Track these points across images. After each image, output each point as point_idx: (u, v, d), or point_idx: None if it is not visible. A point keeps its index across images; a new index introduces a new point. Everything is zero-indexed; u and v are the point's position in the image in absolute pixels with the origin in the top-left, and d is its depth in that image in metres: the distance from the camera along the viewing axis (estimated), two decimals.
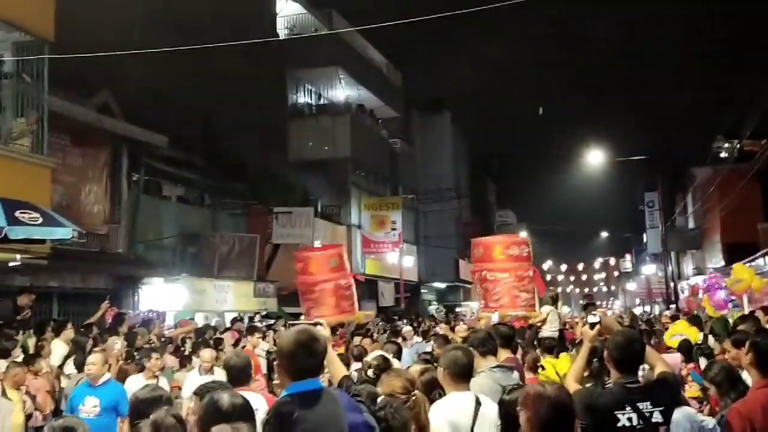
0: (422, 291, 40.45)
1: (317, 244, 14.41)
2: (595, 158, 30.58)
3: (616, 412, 3.90)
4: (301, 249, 15.59)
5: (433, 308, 38.05)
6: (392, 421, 3.82)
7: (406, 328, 14.52)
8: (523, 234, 51.70)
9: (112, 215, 17.36)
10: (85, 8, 16.34)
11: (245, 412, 3.10)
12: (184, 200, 21.97)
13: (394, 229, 32.40)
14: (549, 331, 10.57)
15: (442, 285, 42.76)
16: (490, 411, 4.30)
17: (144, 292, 17.44)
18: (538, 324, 10.92)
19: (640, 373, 4.34)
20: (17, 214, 8.98)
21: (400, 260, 32.71)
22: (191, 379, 8.53)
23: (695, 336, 9.93)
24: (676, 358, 7.87)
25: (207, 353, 8.52)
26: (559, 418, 3.21)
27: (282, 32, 29.39)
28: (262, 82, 25.52)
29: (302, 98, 32.31)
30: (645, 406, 3.94)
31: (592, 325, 4.68)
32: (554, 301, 11.93)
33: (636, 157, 32.38)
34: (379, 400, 3.97)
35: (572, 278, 69.51)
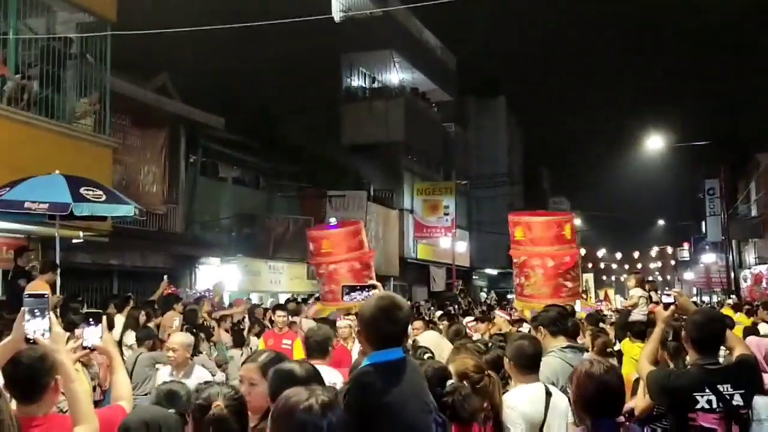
0: (474, 277, 40.20)
1: (332, 221, 13.27)
2: (654, 143, 29.85)
3: (694, 394, 3.74)
4: (315, 228, 14.03)
5: (484, 295, 37.88)
6: (460, 410, 3.63)
7: (439, 313, 13.79)
8: (578, 222, 50.98)
9: (170, 196, 17.61)
10: None
11: (319, 379, 3.04)
12: (240, 182, 22.18)
13: (447, 214, 32.21)
14: (639, 314, 10.16)
15: (493, 271, 42.44)
16: (561, 401, 4.18)
17: (200, 272, 17.70)
18: (629, 307, 10.56)
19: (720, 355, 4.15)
20: (82, 191, 9.10)
21: (453, 245, 32.49)
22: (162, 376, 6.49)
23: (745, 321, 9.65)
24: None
25: (177, 338, 6.32)
26: (604, 398, 3.24)
27: (337, 15, 29.32)
28: (317, 66, 25.59)
29: (356, 82, 32.27)
30: (725, 388, 3.77)
31: (667, 306, 4.49)
32: (642, 284, 11.46)
33: (697, 143, 31.53)
34: (448, 383, 3.79)
35: (627, 266, 68.25)
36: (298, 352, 7.87)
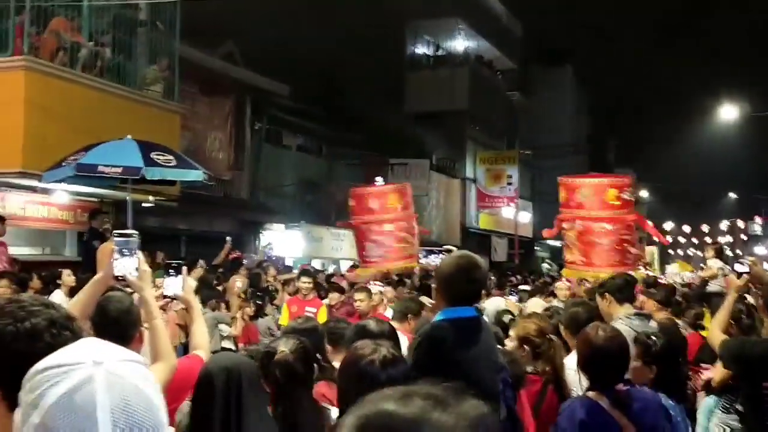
0: (536, 248, 39.78)
1: (379, 181, 12.58)
2: (726, 113, 28.76)
3: None
4: (359, 187, 13.18)
5: (545, 266, 37.43)
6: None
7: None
8: (644, 194, 49.81)
9: (235, 162, 17.90)
10: None
11: (392, 335, 3.10)
12: (304, 149, 22.38)
13: (510, 184, 31.87)
14: (716, 285, 9.78)
15: (556, 243, 41.85)
16: None
17: (265, 237, 17.98)
18: (706, 278, 10.21)
19: None
20: (153, 155, 9.27)
21: (516, 215, 32.16)
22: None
23: None
24: None
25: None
26: (601, 365, 3.24)
27: None
28: (382, 34, 25.48)
29: (421, 49, 32.01)
30: None
31: (740, 275, 4.39)
32: (721, 255, 11.07)
33: None
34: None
35: (695, 240, 66.52)
36: (323, 320, 7.53)
